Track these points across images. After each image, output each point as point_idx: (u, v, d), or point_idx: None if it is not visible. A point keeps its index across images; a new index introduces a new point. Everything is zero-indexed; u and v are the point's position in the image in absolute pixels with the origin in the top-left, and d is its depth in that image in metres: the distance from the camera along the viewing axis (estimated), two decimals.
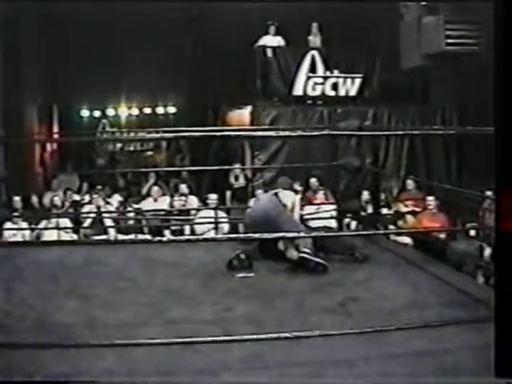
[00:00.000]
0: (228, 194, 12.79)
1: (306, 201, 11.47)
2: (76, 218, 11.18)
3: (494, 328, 3.34)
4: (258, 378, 3.84)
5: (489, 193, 8.02)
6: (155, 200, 11.80)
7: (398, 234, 9.58)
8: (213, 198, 11.06)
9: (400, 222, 10.90)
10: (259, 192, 7.19)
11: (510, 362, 3.21)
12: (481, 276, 8.19)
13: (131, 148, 20.93)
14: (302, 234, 6.37)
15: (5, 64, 12.75)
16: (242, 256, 6.32)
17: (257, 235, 5.87)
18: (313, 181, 11.90)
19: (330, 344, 4.15)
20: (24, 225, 10.27)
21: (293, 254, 6.28)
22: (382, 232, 8.36)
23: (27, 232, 10.20)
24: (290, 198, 6.89)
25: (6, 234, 9.77)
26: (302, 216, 7.78)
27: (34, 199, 12.32)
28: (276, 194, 6.86)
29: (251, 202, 7.13)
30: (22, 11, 13.43)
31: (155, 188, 12.14)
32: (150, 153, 20.72)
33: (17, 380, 3.73)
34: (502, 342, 3.25)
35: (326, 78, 13.41)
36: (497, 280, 3.34)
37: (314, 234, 6.91)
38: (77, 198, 12.84)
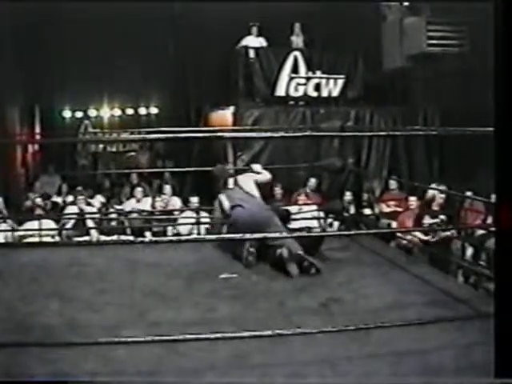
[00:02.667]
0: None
1: (291, 201, 11.48)
2: (58, 220, 11.13)
3: (493, 328, 3.36)
4: (241, 377, 3.84)
5: (469, 193, 8.06)
6: (138, 201, 11.77)
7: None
8: (194, 200, 11.01)
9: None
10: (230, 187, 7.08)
11: (510, 362, 3.22)
12: (461, 276, 8.25)
13: (114, 149, 20.85)
14: (284, 235, 6.38)
15: None
16: (253, 250, 6.32)
17: (237, 236, 5.88)
18: (299, 180, 11.89)
19: (312, 344, 4.16)
20: (6, 226, 10.22)
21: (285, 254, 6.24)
22: (364, 232, 8.38)
23: (9, 233, 10.14)
24: (250, 182, 6.98)
25: None
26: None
27: (17, 201, 12.24)
28: (247, 192, 6.89)
29: (223, 199, 7.03)
30: (2, 11, 13.34)
31: (138, 189, 12.11)
32: (132, 153, 20.65)
33: (17, 380, 3.72)
34: (502, 342, 3.27)
35: (308, 78, 13.42)
36: (497, 280, 3.35)
37: (297, 234, 6.91)
38: (58, 199, 12.79)
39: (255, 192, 6.97)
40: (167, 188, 11.97)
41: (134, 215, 11.34)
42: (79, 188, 12.42)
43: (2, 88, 14.46)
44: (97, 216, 11.21)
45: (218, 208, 7.19)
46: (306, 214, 10.35)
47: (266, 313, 4.89)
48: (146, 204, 11.71)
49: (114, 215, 11.35)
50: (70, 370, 3.85)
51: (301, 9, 13.70)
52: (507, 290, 3.24)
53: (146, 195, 12.32)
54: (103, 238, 10.41)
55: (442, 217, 9.15)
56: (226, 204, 6.97)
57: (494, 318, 3.35)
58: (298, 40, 13.91)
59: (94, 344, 4.12)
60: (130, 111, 20.85)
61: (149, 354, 4.06)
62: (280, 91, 13.33)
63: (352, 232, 7.84)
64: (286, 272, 6.13)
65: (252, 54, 13.31)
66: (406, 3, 13.43)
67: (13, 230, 10.18)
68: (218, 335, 4.19)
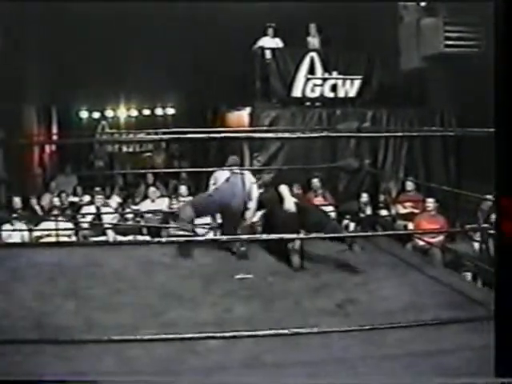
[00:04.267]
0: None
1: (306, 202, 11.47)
2: (75, 220, 11.17)
3: (493, 329, 3.34)
4: (257, 378, 3.84)
5: (488, 196, 8.02)
6: (152, 201, 11.79)
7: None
8: None
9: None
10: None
11: (510, 362, 3.20)
12: (479, 278, 8.21)
13: (130, 149, 20.93)
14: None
15: (4, 65, 12.74)
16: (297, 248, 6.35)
17: (262, 236, 5.87)
18: (315, 181, 11.86)
19: (328, 344, 4.16)
20: (23, 226, 10.27)
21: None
22: (380, 234, 8.35)
23: (26, 233, 10.20)
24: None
25: (5, 235, 9.78)
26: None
27: (33, 201, 12.30)
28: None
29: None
30: (21, 12, 13.41)
31: (152, 189, 12.14)
32: (148, 154, 20.71)
33: (17, 380, 3.73)
34: (502, 342, 3.25)
35: (324, 79, 13.41)
36: (497, 280, 3.34)
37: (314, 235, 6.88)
38: (75, 199, 12.85)
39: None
40: (183, 188, 11.98)
41: (150, 215, 11.38)
42: (97, 188, 12.46)
43: (19, 88, 14.53)
44: (113, 216, 11.24)
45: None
46: None
47: (282, 313, 4.88)
48: (161, 204, 11.74)
49: (130, 215, 11.39)
50: (86, 368, 3.86)
51: (317, 9, 13.70)
52: (507, 290, 3.23)
53: (161, 195, 12.34)
54: (119, 238, 10.45)
55: None
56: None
57: (494, 317, 3.33)
58: (314, 41, 13.89)
59: (110, 342, 4.12)
60: (146, 112, 20.92)
61: (164, 353, 4.07)
62: (296, 92, 13.32)
63: (369, 233, 7.80)
64: (289, 262, 6.26)
65: (268, 54, 13.31)
66: (422, 4, 13.38)
67: (30, 230, 10.24)
68: (234, 334, 4.19)
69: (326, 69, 13.40)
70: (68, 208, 12.12)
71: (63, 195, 12.43)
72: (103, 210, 11.21)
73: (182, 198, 11.68)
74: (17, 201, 11.14)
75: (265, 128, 12.37)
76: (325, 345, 4.17)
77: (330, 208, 10.32)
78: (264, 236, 6.24)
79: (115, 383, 3.76)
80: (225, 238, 7.05)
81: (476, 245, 9.37)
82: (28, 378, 3.73)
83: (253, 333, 4.23)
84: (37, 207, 12.19)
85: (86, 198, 12.45)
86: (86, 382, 3.73)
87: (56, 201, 11.81)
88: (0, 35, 12.68)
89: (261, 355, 4.04)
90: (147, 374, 3.85)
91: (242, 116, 13.47)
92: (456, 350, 4.07)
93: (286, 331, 4.19)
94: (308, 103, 13.47)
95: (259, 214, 7.25)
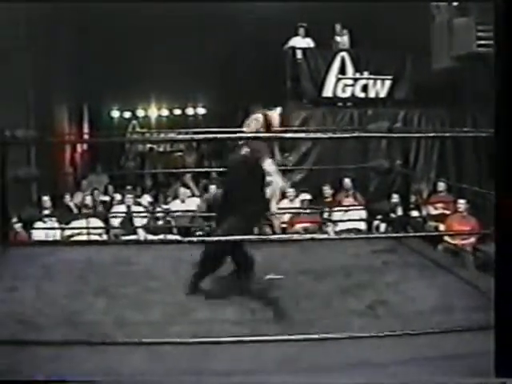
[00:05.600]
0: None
1: (337, 202, 11.48)
2: (105, 218, 11.25)
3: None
4: (286, 378, 3.83)
5: None
6: (182, 201, 11.82)
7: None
8: None
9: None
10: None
11: (510, 362, 3.18)
12: None
13: (161, 149, 21.00)
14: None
15: (37, 65, 12.87)
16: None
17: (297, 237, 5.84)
18: (346, 181, 11.83)
19: (358, 346, 4.14)
20: (54, 224, 10.35)
21: None
22: (411, 235, 8.28)
23: (57, 231, 10.28)
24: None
25: (36, 233, 9.86)
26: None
27: (67, 198, 12.38)
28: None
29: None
30: (53, 13, 13.52)
31: (181, 189, 12.17)
32: (179, 153, 20.77)
33: (17, 380, 3.75)
34: (502, 341, 3.22)
35: (355, 79, 13.38)
36: (497, 281, 3.30)
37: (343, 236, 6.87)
38: (106, 198, 12.93)
39: None
40: (213, 188, 11.99)
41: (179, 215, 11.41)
42: (128, 187, 12.53)
43: (52, 88, 14.66)
44: (144, 215, 11.30)
45: None
46: (353, 216, 10.34)
47: (311, 314, 4.87)
48: (192, 204, 11.77)
49: (160, 215, 11.43)
50: (115, 367, 3.89)
51: (349, 9, 13.65)
52: (507, 290, 3.20)
53: (192, 195, 12.38)
54: (150, 237, 10.50)
55: None
56: None
57: (494, 317, 3.30)
58: (344, 40, 13.86)
59: (140, 344, 4.14)
60: (177, 111, 21.00)
61: (192, 352, 4.08)
62: (327, 92, 13.31)
63: (400, 234, 7.75)
64: None
65: (299, 54, 13.30)
66: (454, 3, 13.28)
67: (61, 228, 10.32)
68: (263, 338, 4.19)
69: (357, 69, 13.37)
70: (99, 206, 12.21)
71: (96, 192, 12.52)
72: (134, 209, 11.28)
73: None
74: (46, 199, 11.23)
75: (295, 128, 12.36)
76: (354, 345, 4.15)
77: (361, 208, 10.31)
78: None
79: (115, 383, 3.77)
80: (254, 237, 7.03)
81: None
82: (30, 378, 3.75)
83: (283, 337, 4.23)
84: (71, 204, 12.28)
85: (117, 197, 12.52)
86: (85, 381, 3.74)
87: (88, 199, 11.89)
88: (30, 35, 12.79)
89: (292, 356, 4.04)
90: (176, 372, 3.86)
91: (273, 116, 13.44)
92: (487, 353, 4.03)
93: (315, 336, 4.18)
94: (339, 103, 13.45)
95: None
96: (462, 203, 10.31)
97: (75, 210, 11.97)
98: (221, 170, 9.25)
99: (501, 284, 3.27)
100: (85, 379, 3.75)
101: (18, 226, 9.17)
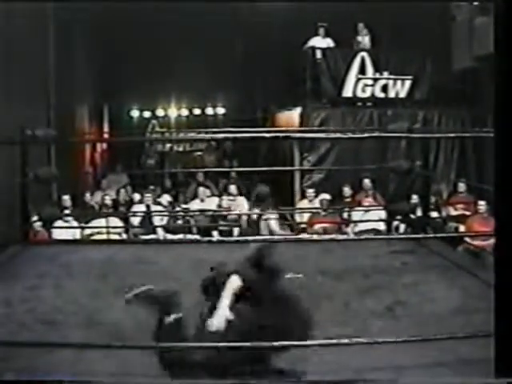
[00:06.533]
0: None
1: (356, 202, 11.46)
2: (125, 218, 11.30)
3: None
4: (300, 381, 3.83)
5: None
6: (202, 200, 11.84)
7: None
8: None
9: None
10: None
11: (510, 362, 3.16)
12: None
13: (181, 148, 21.01)
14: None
15: (58, 64, 12.93)
16: None
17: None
18: (366, 182, 11.80)
19: (376, 348, 4.12)
20: (74, 223, 10.39)
21: None
22: (431, 236, 8.24)
23: (77, 230, 10.32)
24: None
25: (56, 232, 9.91)
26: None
27: (88, 197, 12.43)
28: None
29: None
30: (73, 13, 13.58)
31: (201, 189, 12.18)
32: (199, 153, 20.78)
33: (17, 380, 3.76)
34: (502, 341, 3.20)
35: (375, 79, 13.34)
36: (497, 281, 3.28)
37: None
38: (126, 198, 12.98)
39: None
40: (232, 188, 12.01)
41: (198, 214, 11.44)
42: (150, 187, 12.58)
43: (72, 87, 14.73)
44: (164, 215, 11.33)
45: None
46: (372, 216, 10.31)
47: (330, 315, 4.86)
48: (211, 204, 11.78)
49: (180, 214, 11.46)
50: (133, 367, 3.90)
51: (369, 9, 13.62)
52: (507, 289, 3.18)
53: (212, 195, 12.40)
54: (170, 236, 10.52)
55: None
56: None
57: (494, 317, 3.28)
58: (364, 40, 13.83)
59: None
60: (197, 111, 21.01)
61: None
62: (347, 92, 13.28)
63: (419, 235, 7.71)
64: None
65: (319, 54, 13.29)
66: (476, 3, 13.21)
67: (81, 227, 10.36)
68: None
69: (377, 69, 13.33)
70: (121, 205, 12.29)
71: (122, 191, 12.61)
72: (153, 208, 11.31)
73: (231, 197, 11.74)
74: (66, 198, 11.28)
75: (315, 128, 12.35)
76: (373, 349, 4.13)
77: (381, 208, 10.27)
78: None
79: (115, 383, 3.78)
80: (276, 238, 7.02)
81: None
82: (30, 378, 3.76)
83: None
84: (93, 203, 12.34)
85: (137, 197, 12.56)
86: (86, 381, 3.75)
87: (108, 199, 11.93)
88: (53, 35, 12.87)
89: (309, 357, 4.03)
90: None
91: (293, 116, 13.46)
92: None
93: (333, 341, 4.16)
94: (359, 103, 13.42)
95: None
96: (482, 204, 10.25)
97: (96, 209, 12.02)
98: (240, 169, 9.23)
99: (501, 286, 3.26)
100: (84, 379, 3.76)
101: (38, 225, 9.19)
